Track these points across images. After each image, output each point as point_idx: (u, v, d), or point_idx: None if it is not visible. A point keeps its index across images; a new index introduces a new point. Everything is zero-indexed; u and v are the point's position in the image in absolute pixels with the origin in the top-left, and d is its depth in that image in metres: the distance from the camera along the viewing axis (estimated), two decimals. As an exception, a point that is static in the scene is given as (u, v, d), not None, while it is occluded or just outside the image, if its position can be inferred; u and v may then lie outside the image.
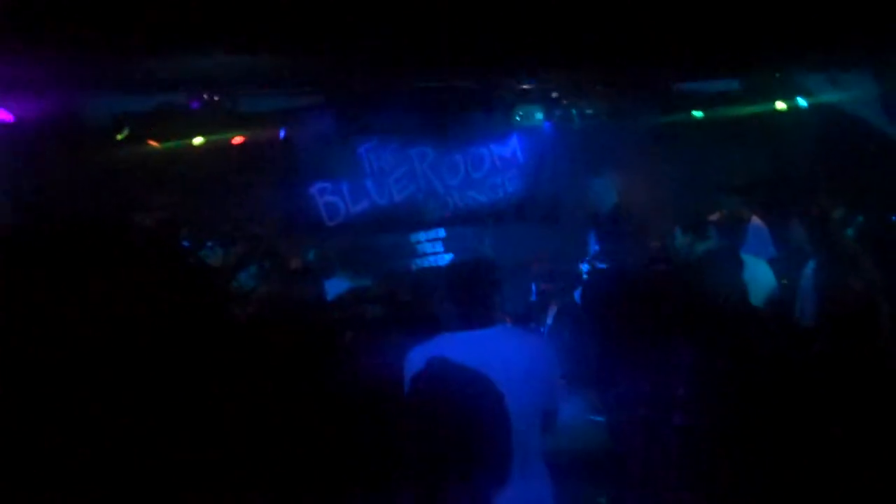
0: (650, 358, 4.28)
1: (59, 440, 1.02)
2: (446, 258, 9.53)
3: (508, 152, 12.29)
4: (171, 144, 10.23)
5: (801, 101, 11.19)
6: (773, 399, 3.73)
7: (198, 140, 10.35)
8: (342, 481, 2.02)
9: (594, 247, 9.35)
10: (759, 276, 7.32)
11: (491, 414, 2.55)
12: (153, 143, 10.16)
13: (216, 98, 9.73)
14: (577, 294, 9.31)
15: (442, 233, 10.68)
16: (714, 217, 9.43)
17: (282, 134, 10.96)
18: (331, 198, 11.89)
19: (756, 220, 9.62)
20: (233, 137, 10.58)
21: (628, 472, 4.40)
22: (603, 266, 8.60)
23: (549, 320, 9.04)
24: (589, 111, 11.17)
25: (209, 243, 8.33)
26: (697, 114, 11.58)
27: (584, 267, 9.15)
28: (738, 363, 3.88)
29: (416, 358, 4.07)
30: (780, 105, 11.27)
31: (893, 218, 9.10)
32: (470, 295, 4.73)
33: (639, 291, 4.75)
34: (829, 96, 11.02)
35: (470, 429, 2.48)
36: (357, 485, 2.17)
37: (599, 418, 6.82)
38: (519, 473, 3.50)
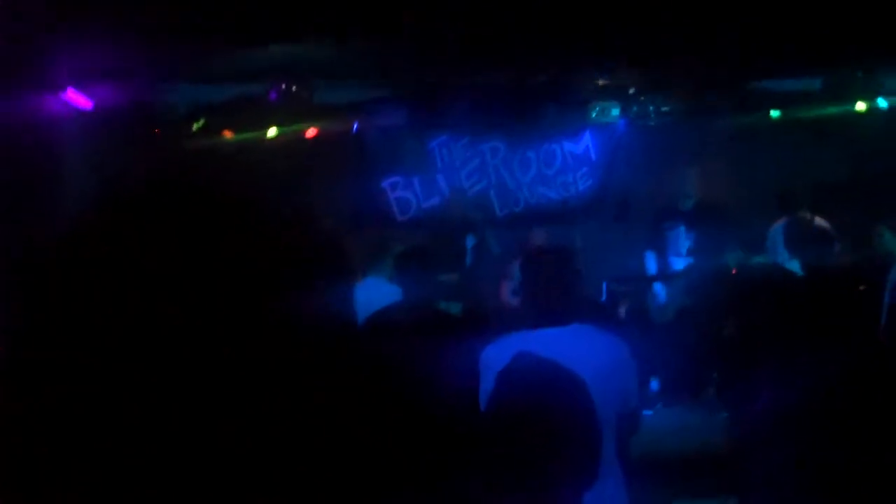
0: (770, 359, 4.21)
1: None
2: (520, 255, 9.49)
3: (581, 149, 12.19)
4: (245, 135, 10.26)
5: (882, 103, 10.97)
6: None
7: (272, 131, 10.37)
8: (427, 480, 1.98)
9: (683, 244, 9.30)
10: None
11: (582, 411, 2.50)
12: (228, 134, 10.20)
13: (292, 89, 9.76)
14: (658, 292, 9.27)
15: (514, 229, 10.63)
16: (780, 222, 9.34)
17: (355, 127, 10.96)
18: (402, 192, 11.87)
19: (820, 221, 9.49)
20: (307, 129, 10.59)
21: (748, 472, 4.32)
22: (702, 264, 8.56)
23: (621, 319, 8.98)
24: (665, 108, 11.04)
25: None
26: (775, 113, 11.39)
27: (681, 264, 9.10)
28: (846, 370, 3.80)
29: (495, 354, 4.02)
30: (861, 106, 11.04)
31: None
32: (545, 291, 4.69)
33: (755, 291, 4.68)
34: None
35: (561, 425, 2.43)
36: (442, 483, 2.14)
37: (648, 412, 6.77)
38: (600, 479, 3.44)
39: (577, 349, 4.17)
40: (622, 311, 8.93)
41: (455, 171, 11.95)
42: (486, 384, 3.60)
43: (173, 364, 0.98)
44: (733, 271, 9.15)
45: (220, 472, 0.98)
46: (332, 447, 1.04)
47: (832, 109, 11.10)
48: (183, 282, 0.99)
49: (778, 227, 9.45)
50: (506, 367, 2.66)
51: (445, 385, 3.65)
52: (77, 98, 8.44)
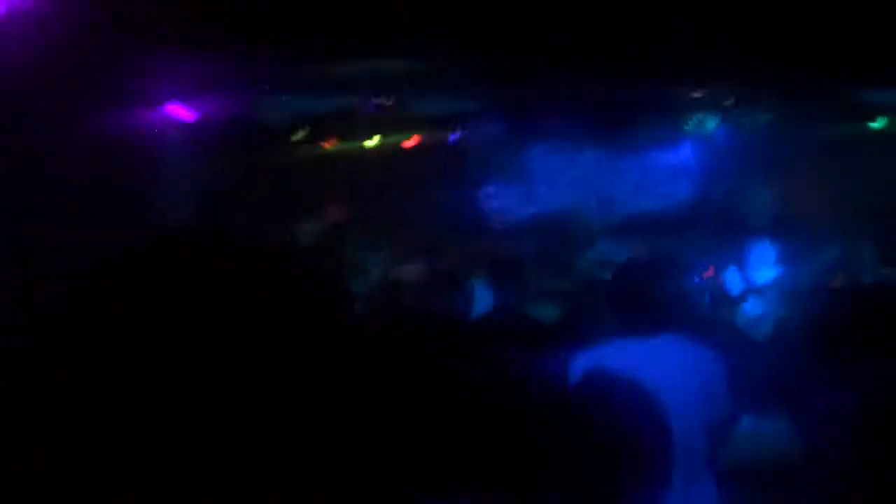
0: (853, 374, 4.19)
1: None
2: (615, 265, 9.46)
3: (680, 160, 12.12)
4: (344, 146, 10.42)
5: None
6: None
7: (370, 142, 10.51)
8: (492, 490, 2.05)
9: (779, 256, 9.25)
10: None
11: (651, 429, 2.53)
12: (327, 145, 10.36)
13: (389, 100, 9.87)
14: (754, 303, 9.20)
15: (610, 239, 10.59)
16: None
17: (452, 137, 11.03)
18: (499, 202, 11.91)
19: None
20: (405, 140, 10.70)
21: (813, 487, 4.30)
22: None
23: (716, 331, 8.92)
24: (763, 119, 10.97)
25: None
26: (877, 125, 11.21)
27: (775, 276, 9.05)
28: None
29: (580, 366, 4.07)
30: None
31: None
32: (638, 302, 4.71)
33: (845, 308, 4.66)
34: None
35: (628, 444, 2.47)
36: (506, 496, 2.20)
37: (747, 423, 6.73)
38: (686, 488, 3.46)
39: (665, 361, 4.20)
40: (717, 322, 8.87)
41: (552, 182, 11.97)
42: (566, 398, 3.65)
43: (244, 367, 1.04)
44: (832, 285, 9.06)
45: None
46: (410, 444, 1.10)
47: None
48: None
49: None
50: (577, 383, 2.70)
51: (530, 393, 3.70)
52: (179, 111, 8.60)
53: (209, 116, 8.83)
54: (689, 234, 11.23)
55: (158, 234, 1.15)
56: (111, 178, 7.26)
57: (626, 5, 7.08)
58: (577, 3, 7.08)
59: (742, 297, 9.34)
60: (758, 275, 9.61)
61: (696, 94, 10.83)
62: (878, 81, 10.58)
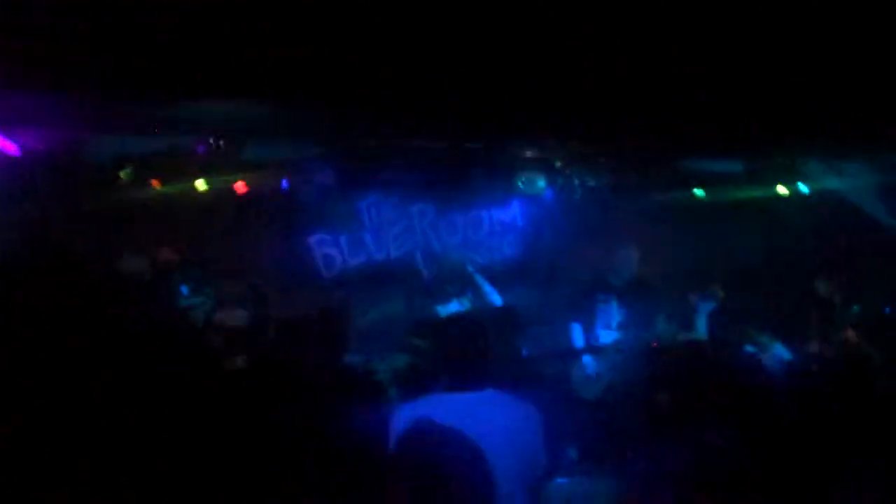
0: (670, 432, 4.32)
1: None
2: (439, 317, 9.51)
3: (508, 217, 12.35)
4: (173, 187, 10.24)
5: (803, 187, 11.25)
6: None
7: (200, 185, 10.35)
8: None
9: (612, 318, 9.50)
10: None
11: (474, 479, 2.55)
12: (156, 186, 10.16)
13: (221, 144, 9.77)
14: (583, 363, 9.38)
15: (438, 292, 10.65)
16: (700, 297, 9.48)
17: (284, 184, 10.97)
18: (328, 250, 11.88)
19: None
20: (235, 184, 10.59)
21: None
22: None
23: (540, 388, 9.04)
24: (591, 182, 11.26)
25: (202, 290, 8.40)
26: (699, 192, 11.65)
27: (608, 338, 9.26)
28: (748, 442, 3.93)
29: (403, 418, 4.07)
30: (782, 189, 11.32)
31: (887, 310, 9.15)
32: (460, 356, 4.73)
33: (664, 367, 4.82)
34: (831, 184, 11.09)
35: (451, 493, 2.48)
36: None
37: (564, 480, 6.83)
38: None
39: (488, 415, 4.23)
40: (543, 380, 9.01)
41: (382, 232, 12.02)
42: (391, 446, 3.65)
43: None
44: (654, 344, 9.32)
45: None
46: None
47: (754, 192, 11.39)
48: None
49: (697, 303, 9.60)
50: (403, 433, 2.71)
51: (355, 442, 3.69)
52: (3, 144, 8.36)
53: (34, 151, 8.59)
54: (518, 291, 11.40)
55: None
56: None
57: (463, 63, 7.17)
58: (412, 59, 7.14)
59: (566, 355, 9.54)
60: (581, 335, 9.83)
61: (528, 154, 11.04)
62: (700, 151, 10.99)
